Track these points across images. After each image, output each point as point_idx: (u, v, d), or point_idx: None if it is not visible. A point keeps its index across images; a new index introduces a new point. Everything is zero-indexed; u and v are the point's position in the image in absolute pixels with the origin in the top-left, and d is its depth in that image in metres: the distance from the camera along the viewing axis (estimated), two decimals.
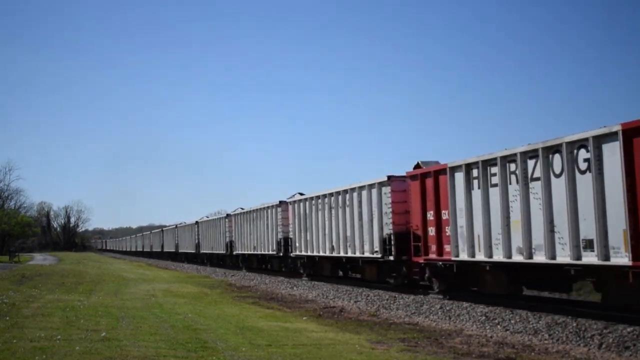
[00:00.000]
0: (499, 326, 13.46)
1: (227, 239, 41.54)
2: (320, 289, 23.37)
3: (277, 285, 26.52)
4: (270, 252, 32.54)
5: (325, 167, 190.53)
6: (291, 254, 29.65)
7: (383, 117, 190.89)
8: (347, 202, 23.04)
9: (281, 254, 30.91)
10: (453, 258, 16.76)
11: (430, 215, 17.90)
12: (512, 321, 13.63)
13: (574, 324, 12.55)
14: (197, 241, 51.39)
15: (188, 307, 17.44)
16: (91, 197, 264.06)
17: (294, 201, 28.98)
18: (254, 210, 35.67)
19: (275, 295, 22.29)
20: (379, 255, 20.60)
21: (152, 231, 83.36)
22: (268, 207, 32.86)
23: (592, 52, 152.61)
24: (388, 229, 20.07)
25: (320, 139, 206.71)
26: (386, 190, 20.29)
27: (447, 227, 17.10)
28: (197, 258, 53.11)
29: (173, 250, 62.52)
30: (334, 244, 24.27)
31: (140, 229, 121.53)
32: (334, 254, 24.45)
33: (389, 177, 20.11)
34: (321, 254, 25.81)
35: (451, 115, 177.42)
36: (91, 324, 13.10)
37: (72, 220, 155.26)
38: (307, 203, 27.25)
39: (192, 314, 15.62)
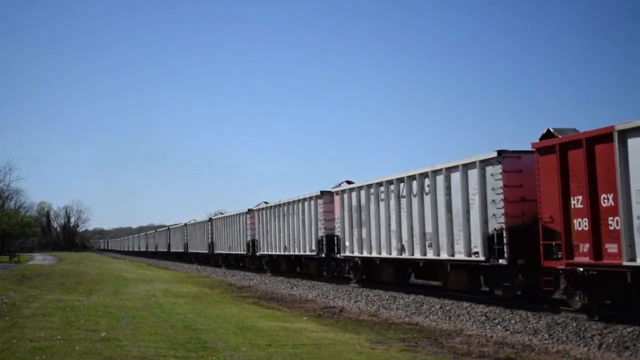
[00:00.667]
0: (499, 326, 13.47)
1: (249, 238, 36.64)
2: (320, 289, 23.36)
3: (277, 285, 26.51)
4: (308, 253, 27.51)
5: (327, 169, 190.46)
6: (337, 255, 24.67)
7: (384, 118, 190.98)
8: (427, 189, 18.16)
9: (323, 255, 25.95)
10: (626, 263, 11.94)
11: (578, 202, 13.18)
12: (512, 321, 13.63)
13: (574, 324, 12.55)
14: (210, 240, 46.77)
15: (188, 307, 17.44)
16: (91, 197, 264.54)
17: (343, 190, 23.94)
18: (285, 204, 30.42)
19: (275, 295, 22.29)
20: (481, 258, 15.78)
21: (158, 230, 78.59)
22: (305, 199, 27.71)
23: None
24: (497, 223, 15.33)
25: (318, 140, 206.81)
26: (494, 170, 15.46)
27: (611, 218, 12.42)
28: (209, 259, 48.62)
29: (181, 250, 58.59)
30: (404, 242, 19.37)
31: (140, 229, 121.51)
32: (404, 256, 19.53)
33: (500, 153, 15.33)
34: (383, 255, 20.75)
35: (449, 117, 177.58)
36: (91, 324, 13.11)
37: (72, 220, 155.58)
38: (363, 192, 22.18)
39: (192, 314, 15.63)
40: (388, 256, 20.56)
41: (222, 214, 46.31)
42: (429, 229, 18.17)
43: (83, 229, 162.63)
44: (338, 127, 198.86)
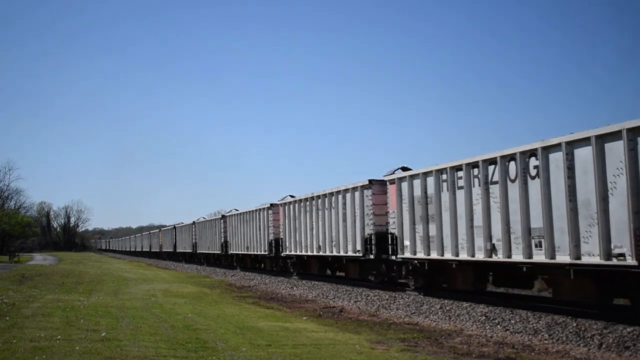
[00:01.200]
0: (499, 326, 13.47)
1: (272, 237, 32.59)
2: (320, 288, 23.35)
3: (277, 285, 26.51)
4: (351, 254, 23.16)
5: (329, 169, 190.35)
6: (392, 257, 20.46)
7: (384, 118, 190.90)
8: (534, 171, 13.93)
9: (371, 257, 21.65)
10: None
11: None
12: (512, 321, 13.63)
13: (574, 324, 12.55)
14: (223, 240, 42.84)
15: (188, 307, 17.43)
16: (91, 197, 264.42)
17: (401, 178, 19.61)
18: (319, 196, 26.11)
19: (275, 295, 22.29)
20: (631, 262, 11.69)
21: (162, 229, 74.00)
22: (347, 190, 23.41)
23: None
24: None
25: (317, 140, 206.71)
26: None
27: None
28: (221, 260, 44.99)
29: (189, 250, 54.98)
30: (495, 241, 15.27)
31: (140, 229, 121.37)
32: (496, 258, 15.17)
33: None
34: (462, 257, 16.51)
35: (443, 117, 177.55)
36: (91, 324, 13.10)
37: (72, 220, 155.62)
38: (431, 179, 17.88)
39: (192, 314, 15.62)
40: (470, 258, 16.27)
41: (236, 210, 40.85)
42: (536, 223, 14.07)
43: (83, 229, 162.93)
44: (339, 127, 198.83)
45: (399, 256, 19.88)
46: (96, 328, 12.47)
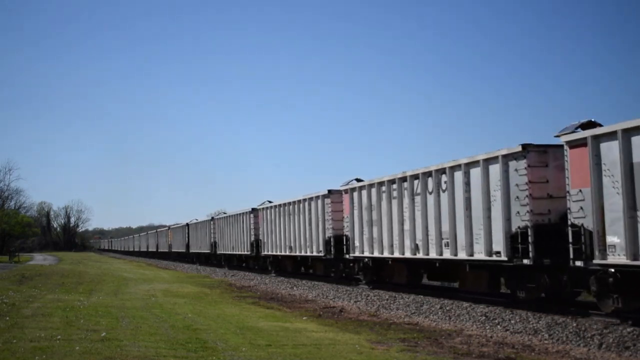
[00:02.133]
0: (499, 326, 13.47)
1: (329, 234, 25.55)
2: (320, 288, 23.34)
3: (277, 285, 26.51)
4: (481, 257, 15.91)
5: (330, 167, 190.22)
6: (576, 263, 12.99)
7: (388, 116, 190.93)
8: None
9: (526, 262, 14.34)
10: None
11: None
12: (512, 321, 13.63)
13: (574, 324, 12.55)
14: (253, 238, 36.36)
15: (188, 307, 17.44)
16: (91, 197, 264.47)
17: (598, 135, 12.50)
18: (412, 176, 19.06)
19: (275, 295, 22.29)
20: None
21: (172, 227, 67.41)
22: (473, 163, 16.20)
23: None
24: None
25: (316, 141, 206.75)
26: None
27: None
28: (249, 262, 39.31)
29: (207, 250, 48.68)
30: None
31: (141, 229, 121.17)
32: None
33: None
34: None
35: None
36: (91, 324, 13.10)
37: (72, 220, 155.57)
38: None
39: (192, 314, 15.63)
40: None
41: (270, 202, 34.14)
42: None
43: (83, 229, 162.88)
44: (337, 127, 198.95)
45: (595, 261, 12.61)
46: (96, 328, 12.48)
